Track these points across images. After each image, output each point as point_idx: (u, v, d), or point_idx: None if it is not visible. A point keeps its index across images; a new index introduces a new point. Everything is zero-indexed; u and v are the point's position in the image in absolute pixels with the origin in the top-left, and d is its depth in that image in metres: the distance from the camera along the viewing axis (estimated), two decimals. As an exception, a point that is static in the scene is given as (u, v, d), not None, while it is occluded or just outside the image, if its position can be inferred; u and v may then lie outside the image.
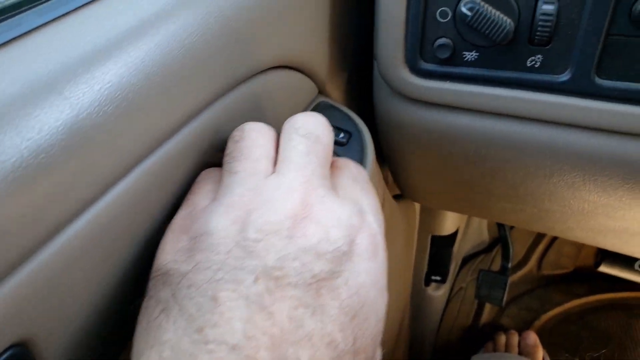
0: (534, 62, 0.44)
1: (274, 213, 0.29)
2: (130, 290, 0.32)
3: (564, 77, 0.44)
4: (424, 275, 1.14)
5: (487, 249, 1.32)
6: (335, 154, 0.48)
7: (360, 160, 0.47)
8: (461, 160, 0.57)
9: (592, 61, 0.43)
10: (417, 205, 0.98)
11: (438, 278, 1.17)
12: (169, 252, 0.30)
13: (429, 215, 1.03)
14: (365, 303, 0.29)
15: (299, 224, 0.29)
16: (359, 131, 0.51)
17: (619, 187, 0.51)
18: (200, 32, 0.32)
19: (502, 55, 0.45)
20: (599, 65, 0.43)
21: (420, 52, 0.48)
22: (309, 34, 0.47)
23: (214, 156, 0.37)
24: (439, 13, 0.45)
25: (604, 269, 1.13)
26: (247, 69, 0.38)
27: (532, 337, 1.21)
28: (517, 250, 1.29)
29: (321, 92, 0.54)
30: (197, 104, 0.33)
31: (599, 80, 0.43)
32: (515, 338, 1.22)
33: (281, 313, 0.26)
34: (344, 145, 0.50)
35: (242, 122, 0.40)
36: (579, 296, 1.24)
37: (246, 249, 0.28)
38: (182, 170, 0.34)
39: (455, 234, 1.10)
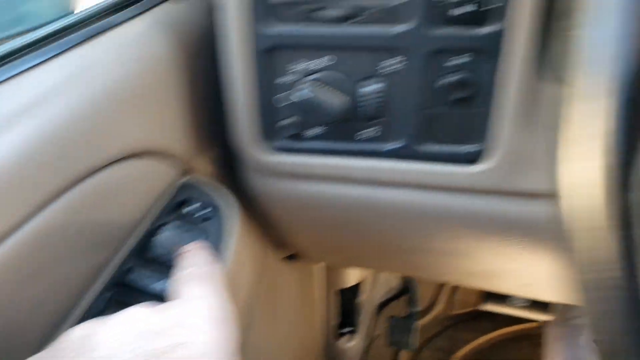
0: (364, 135, 0.50)
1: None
2: None
3: (393, 145, 0.50)
4: (334, 330, 1.16)
5: (399, 294, 1.36)
6: (203, 230, 0.51)
7: (221, 234, 0.50)
8: (338, 222, 0.61)
9: (414, 130, 0.49)
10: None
11: (351, 329, 1.19)
12: None
13: (328, 270, 1.06)
14: None
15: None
16: (225, 205, 0.54)
17: (463, 237, 0.57)
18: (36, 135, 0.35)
19: (339, 130, 0.51)
20: (419, 134, 0.49)
21: (270, 131, 0.52)
22: (162, 122, 0.50)
23: (66, 247, 0.39)
24: (282, 97, 0.50)
25: (487, 307, 1.21)
26: (90, 164, 0.41)
27: (447, 378, 1.24)
28: (426, 293, 1.34)
29: (188, 171, 0.57)
30: (40, 199, 0.36)
31: (421, 146, 0.49)
32: (432, 380, 1.26)
33: None
34: (210, 219, 0.52)
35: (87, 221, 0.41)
36: (485, 332, 1.30)
37: (81, 349, 0.30)
38: (29, 267, 0.36)
39: (358, 285, 1.13)
